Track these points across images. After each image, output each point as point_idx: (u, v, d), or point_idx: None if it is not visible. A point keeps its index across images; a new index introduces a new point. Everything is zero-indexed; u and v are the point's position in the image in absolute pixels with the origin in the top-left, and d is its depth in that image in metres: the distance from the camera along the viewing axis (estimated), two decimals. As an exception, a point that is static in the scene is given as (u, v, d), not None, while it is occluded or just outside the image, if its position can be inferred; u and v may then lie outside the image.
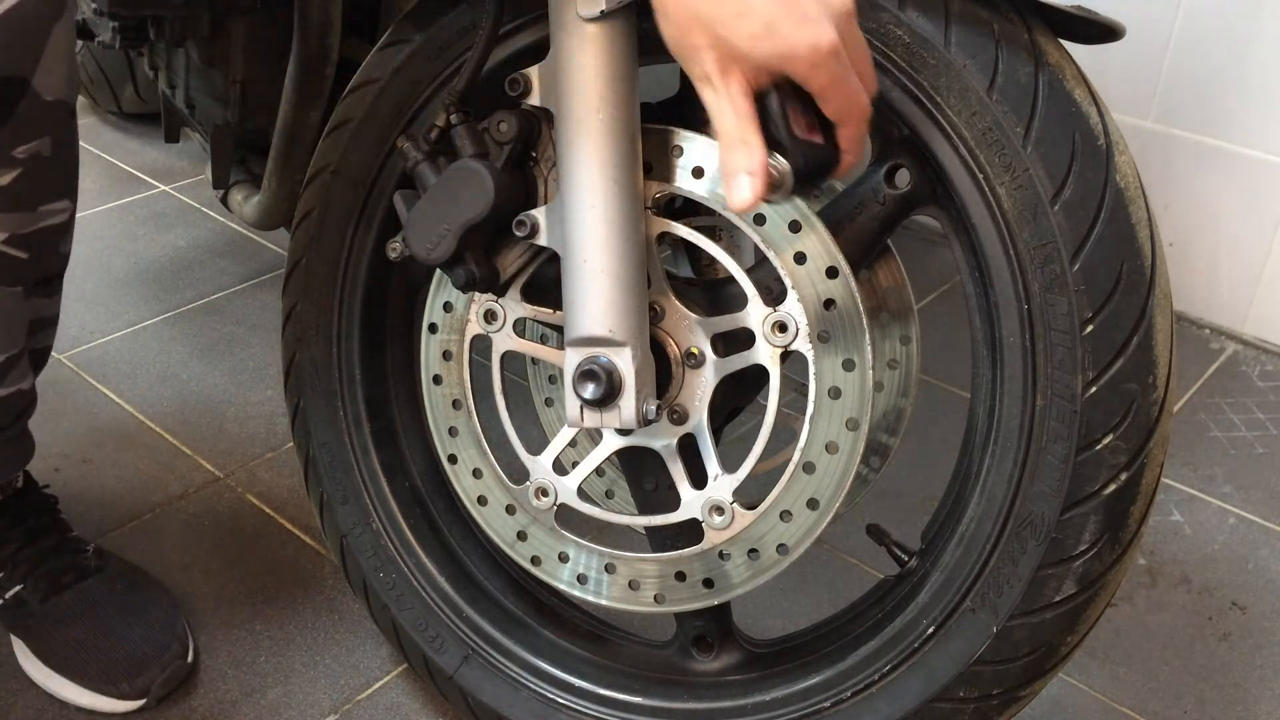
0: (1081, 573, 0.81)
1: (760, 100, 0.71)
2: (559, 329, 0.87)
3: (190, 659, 1.15)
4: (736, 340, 0.86)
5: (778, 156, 0.72)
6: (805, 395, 0.84)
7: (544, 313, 0.89)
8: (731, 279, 0.85)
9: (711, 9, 0.68)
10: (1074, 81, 0.77)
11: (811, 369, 0.83)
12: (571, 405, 0.83)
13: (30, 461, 1.17)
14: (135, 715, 1.11)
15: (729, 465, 0.88)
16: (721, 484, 0.88)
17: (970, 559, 0.85)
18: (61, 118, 0.94)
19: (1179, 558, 1.36)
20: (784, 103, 0.72)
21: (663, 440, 0.89)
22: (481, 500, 0.97)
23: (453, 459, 0.98)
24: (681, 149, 0.83)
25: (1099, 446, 0.79)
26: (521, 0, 0.88)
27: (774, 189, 0.73)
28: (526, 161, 0.84)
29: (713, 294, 0.89)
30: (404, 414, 1.07)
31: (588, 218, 0.79)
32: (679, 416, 0.88)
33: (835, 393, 0.83)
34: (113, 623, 1.14)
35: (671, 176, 0.83)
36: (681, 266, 1.02)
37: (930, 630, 0.86)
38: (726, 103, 0.71)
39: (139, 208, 2.09)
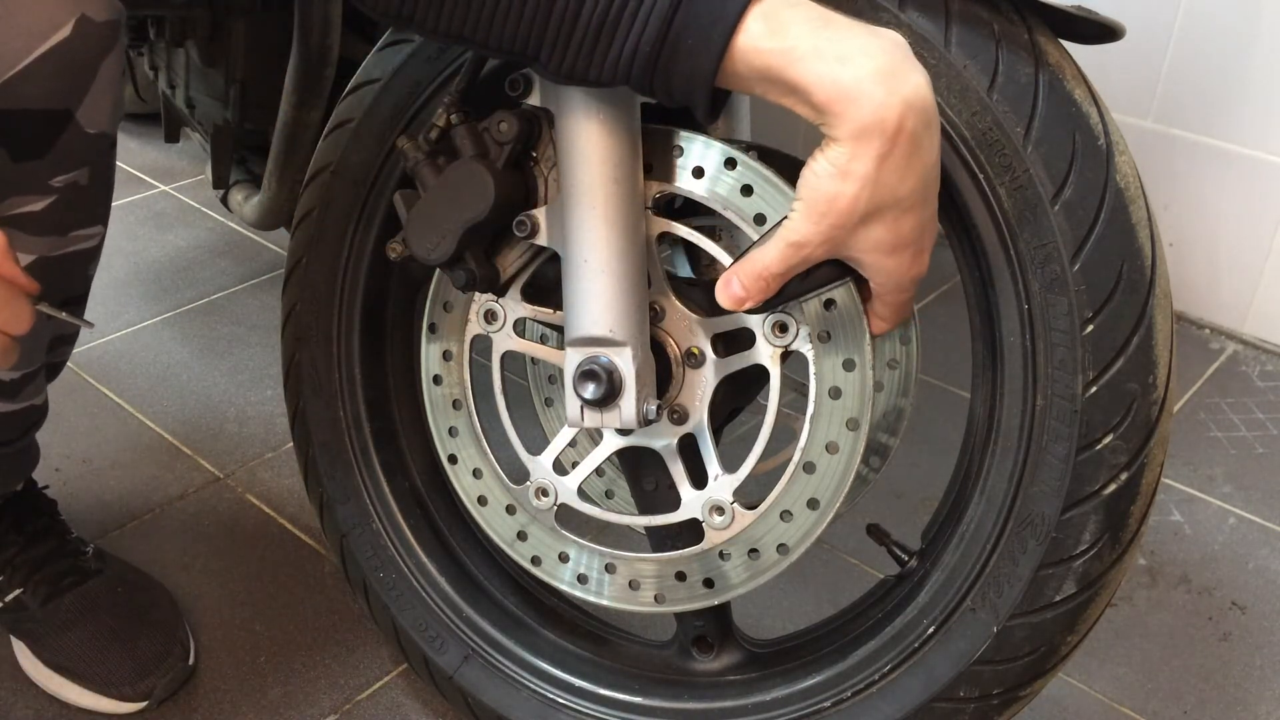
0: (1081, 573, 0.81)
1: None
2: (559, 329, 0.87)
3: (191, 661, 1.15)
4: (737, 340, 0.85)
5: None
6: (805, 395, 0.84)
7: (544, 313, 0.89)
8: (732, 279, 0.85)
9: (873, 202, 0.68)
10: (1074, 81, 0.77)
11: (812, 369, 0.83)
12: (572, 405, 0.83)
13: (34, 470, 1.17)
14: (136, 716, 1.11)
15: (729, 465, 0.88)
16: (722, 484, 0.88)
17: (970, 559, 0.85)
18: (102, 149, 0.91)
19: (1179, 558, 1.36)
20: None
21: (663, 440, 0.89)
22: (481, 500, 0.97)
23: (453, 459, 0.98)
24: (682, 149, 0.82)
25: (1099, 446, 0.78)
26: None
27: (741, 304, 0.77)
28: (526, 161, 0.84)
29: (713, 294, 0.89)
30: (404, 414, 1.07)
31: (588, 218, 0.79)
32: (679, 416, 0.88)
33: (835, 393, 0.83)
34: (114, 626, 1.14)
35: (671, 176, 0.83)
36: (681, 266, 1.02)
37: (930, 630, 0.86)
38: (792, 261, 0.73)
39: (139, 208, 2.09)
